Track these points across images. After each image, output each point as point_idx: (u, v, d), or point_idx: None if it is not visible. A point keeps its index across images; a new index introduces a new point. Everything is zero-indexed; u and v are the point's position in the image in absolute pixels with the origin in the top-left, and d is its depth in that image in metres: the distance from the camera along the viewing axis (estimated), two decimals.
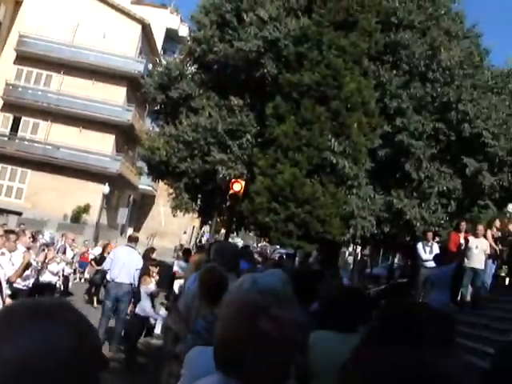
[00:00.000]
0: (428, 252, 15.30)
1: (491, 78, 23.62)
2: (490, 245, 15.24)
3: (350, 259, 39.83)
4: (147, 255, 13.94)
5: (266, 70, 21.62)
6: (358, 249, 34.66)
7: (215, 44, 23.19)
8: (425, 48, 22.40)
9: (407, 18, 22.80)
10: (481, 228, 15.13)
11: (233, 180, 19.51)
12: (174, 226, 47.53)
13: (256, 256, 23.37)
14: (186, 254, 16.90)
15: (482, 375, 3.32)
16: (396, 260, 36.33)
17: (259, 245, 64.70)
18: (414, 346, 2.65)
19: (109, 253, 16.66)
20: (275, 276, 3.50)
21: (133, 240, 13.34)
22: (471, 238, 14.89)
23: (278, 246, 34.74)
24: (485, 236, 15.24)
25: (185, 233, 50.72)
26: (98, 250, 24.48)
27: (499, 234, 15.95)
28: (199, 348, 3.25)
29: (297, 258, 25.45)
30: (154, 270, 12.53)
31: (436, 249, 15.44)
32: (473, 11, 45.61)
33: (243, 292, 3.23)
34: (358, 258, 35.49)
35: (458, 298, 14.72)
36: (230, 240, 32.43)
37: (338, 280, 9.85)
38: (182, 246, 40.88)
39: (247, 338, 1.92)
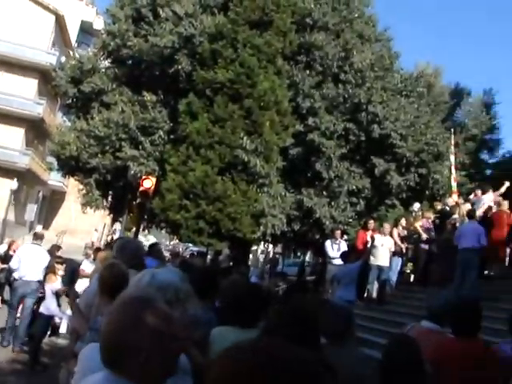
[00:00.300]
0: (336, 250, 15.58)
1: (401, 81, 24.33)
2: (396, 243, 15.66)
3: (263, 257, 40.11)
4: (52, 252, 13.53)
5: (180, 67, 21.50)
6: (270, 247, 34.96)
7: (130, 38, 22.86)
8: (338, 50, 22.82)
9: (322, 20, 23.16)
10: (387, 226, 15.54)
11: (143, 177, 19.29)
12: (85, 224, 46.48)
13: (167, 254, 23.11)
14: (95, 252, 16.53)
15: (378, 366, 3.45)
16: (307, 258, 36.90)
17: (171, 243, 64.23)
18: (301, 339, 2.72)
19: (15, 251, 16.08)
20: (174, 273, 3.49)
21: (38, 237, 12.92)
22: (377, 236, 15.23)
23: (190, 244, 34.57)
24: (391, 234, 15.66)
25: (96, 230, 49.73)
26: (3, 248, 23.59)
27: (405, 232, 16.41)
28: (93, 344, 3.19)
29: (208, 256, 25.39)
30: (60, 267, 12.19)
31: (344, 246, 15.77)
32: (385, 15, 47.13)
33: (141, 288, 3.20)
34: (270, 255, 35.81)
35: (365, 294, 15.05)
36: (142, 238, 31.99)
37: (243, 277, 9.89)
38: (93, 243, 40.04)
39: (131, 333, 1.89)
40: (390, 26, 26.71)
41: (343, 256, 13.51)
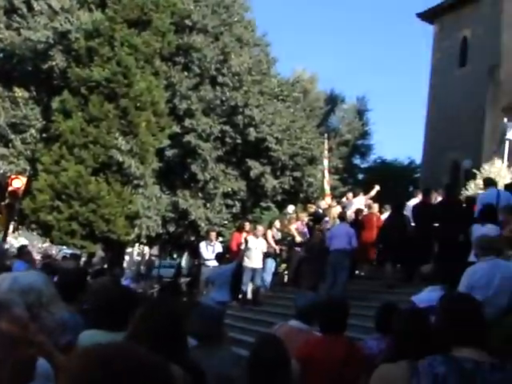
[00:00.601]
0: (211, 251, 15.56)
1: (277, 85, 24.80)
2: (270, 244, 15.88)
3: (139, 259, 39.45)
4: None
5: (54, 63, 20.77)
6: (147, 249, 34.47)
7: (1, 31, 21.79)
8: (216, 52, 22.94)
9: (201, 22, 23.21)
10: (260, 229, 15.72)
11: (12, 176, 18.46)
12: None
13: (39, 257, 22.21)
14: None
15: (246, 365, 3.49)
16: (184, 259, 36.70)
17: (44, 245, 61.76)
18: (167, 341, 2.70)
19: None
20: (37, 276, 3.35)
21: None
22: (251, 238, 15.39)
23: (64, 246, 33.40)
24: (265, 236, 15.87)
25: None
26: None
27: (279, 234, 16.67)
28: None
29: (83, 259, 24.67)
30: None
31: (218, 248, 15.79)
32: (264, 21, 48.18)
33: (1, 292, 3.05)
34: (146, 257, 35.31)
35: (240, 295, 15.17)
36: (13, 240, 30.45)
37: (113, 280, 9.68)
38: None
39: None
40: (268, 31, 27.29)
41: (217, 257, 13.57)
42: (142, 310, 2.83)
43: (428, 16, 28.21)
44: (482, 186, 15.46)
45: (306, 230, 15.69)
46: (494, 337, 6.19)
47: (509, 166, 15.80)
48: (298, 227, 15.74)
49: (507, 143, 16.71)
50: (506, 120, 17.56)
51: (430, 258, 12.03)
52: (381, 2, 75.05)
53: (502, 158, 16.57)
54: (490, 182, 11.76)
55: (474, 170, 17.14)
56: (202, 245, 15.91)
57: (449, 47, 26.98)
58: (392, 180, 33.53)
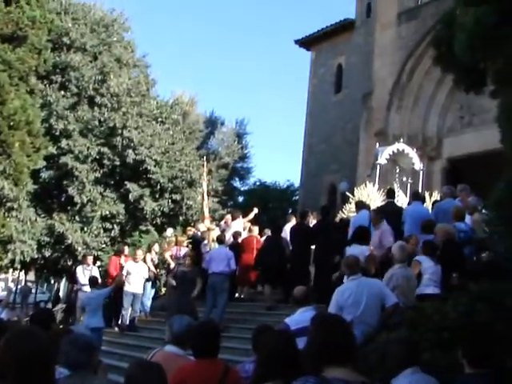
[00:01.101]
0: (87, 276, 15.21)
1: (157, 107, 24.70)
2: (149, 268, 15.74)
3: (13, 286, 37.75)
4: None
5: None
6: (22, 275, 33.04)
7: None
8: (95, 72, 22.58)
9: (79, 40, 22.80)
10: (139, 253, 15.58)
11: None
12: None
13: None
14: None
15: None
16: (62, 285, 35.51)
17: None
18: (32, 373, 2.60)
19: None
20: None
21: None
22: (131, 263, 15.21)
23: None
24: (144, 260, 15.73)
25: None
26: None
27: (156, 258, 16.55)
28: None
29: None
30: None
31: (95, 272, 15.47)
32: (143, 42, 48.04)
33: None
34: (22, 284, 33.86)
35: (119, 321, 14.91)
36: None
37: None
38: None
39: None
40: (148, 52, 27.11)
41: (90, 282, 13.34)
42: (4, 339, 2.71)
43: (305, 43, 29.20)
44: (354, 209, 16.18)
45: (181, 254, 15.61)
46: (368, 356, 6.47)
47: (379, 189, 16.56)
48: (173, 254, 15.68)
49: (378, 167, 17.53)
50: (377, 145, 18.43)
51: (307, 280, 12.36)
52: (262, 27, 76.91)
53: (374, 181, 17.35)
54: (361, 205, 12.30)
55: (348, 193, 17.84)
56: (79, 269, 15.52)
57: (325, 74, 28.06)
58: (271, 202, 34.18)
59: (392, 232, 10.62)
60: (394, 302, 7.32)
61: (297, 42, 29.32)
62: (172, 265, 15.33)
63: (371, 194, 16.34)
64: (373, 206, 13.45)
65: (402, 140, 18.43)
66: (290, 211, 32.55)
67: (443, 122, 21.09)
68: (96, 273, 15.42)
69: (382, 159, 17.38)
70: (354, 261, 7.80)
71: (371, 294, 7.28)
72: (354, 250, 9.31)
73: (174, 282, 13.83)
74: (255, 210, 17.17)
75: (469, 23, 5.07)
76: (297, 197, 32.70)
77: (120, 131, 22.01)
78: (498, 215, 5.94)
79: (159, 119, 24.30)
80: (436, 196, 15.54)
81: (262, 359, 3.60)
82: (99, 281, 14.30)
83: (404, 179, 17.84)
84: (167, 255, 15.76)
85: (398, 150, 17.56)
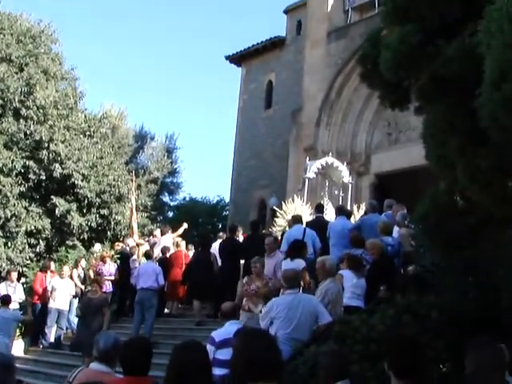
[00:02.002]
0: (11, 293, 14.80)
1: (85, 120, 24.27)
2: (76, 284, 15.49)
3: None
4: None
5: None
6: None
7: None
8: (21, 84, 22.01)
9: (5, 51, 22.21)
10: (65, 269, 15.33)
11: None
12: None
13: None
14: None
15: None
16: None
17: None
18: None
19: None
20: None
21: None
22: (56, 279, 14.95)
23: None
24: (71, 277, 15.48)
25: None
26: None
27: (83, 273, 16.30)
28: None
29: None
30: None
31: (20, 289, 15.13)
32: (72, 54, 47.21)
33: None
34: None
35: (44, 339, 14.60)
36: None
37: None
38: None
39: None
40: (77, 65, 26.58)
41: (3, 301, 12.92)
42: None
43: (236, 59, 29.39)
44: (281, 223, 16.35)
45: (109, 271, 15.38)
46: (298, 369, 6.51)
47: (309, 204, 16.79)
48: (94, 269, 15.48)
49: (307, 181, 17.82)
50: (307, 160, 18.71)
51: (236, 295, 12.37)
52: (193, 42, 76.92)
53: (303, 196, 17.61)
54: (297, 220, 12.41)
55: (276, 208, 18.01)
56: (2, 286, 15.06)
57: (255, 89, 28.29)
58: (201, 217, 34.13)
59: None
60: (328, 320, 7.37)
61: (227, 57, 29.47)
62: None
63: (299, 209, 16.57)
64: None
65: (330, 154, 18.78)
66: (220, 226, 32.65)
67: (371, 138, 21.59)
68: (20, 289, 15.06)
69: (311, 173, 17.66)
70: (294, 275, 7.81)
71: (306, 311, 7.29)
72: (289, 264, 9.36)
73: (78, 312, 12.86)
74: (184, 225, 17.15)
75: (394, 42, 5.22)
76: (227, 212, 32.76)
77: (46, 144, 21.51)
78: (423, 229, 6.10)
79: (87, 133, 23.87)
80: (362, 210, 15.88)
81: (173, 370, 3.45)
82: (12, 300, 13.74)
83: (336, 192, 18.18)
84: (91, 273, 15.52)
85: (327, 163, 17.89)
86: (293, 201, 17.24)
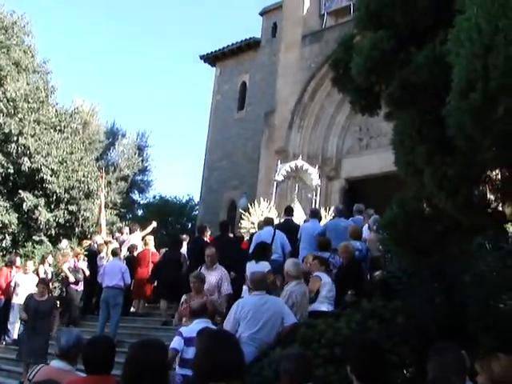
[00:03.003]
0: None
1: (55, 115, 24.03)
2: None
3: None
4: None
5: None
6: None
7: None
8: None
9: None
10: (29, 265, 15.14)
11: None
12: None
13: None
14: None
15: None
16: None
17: None
18: None
19: None
20: None
21: None
22: (20, 274, 14.75)
23: None
24: (37, 272, 15.31)
25: None
26: None
27: (50, 270, 16.14)
28: None
29: None
30: None
31: None
32: (45, 47, 46.81)
33: None
34: None
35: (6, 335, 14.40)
36: None
37: None
38: None
39: None
40: (49, 58, 26.29)
41: None
42: None
43: (210, 59, 29.31)
44: (247, 225, 16.37)
45: (79, 267, 15.22)
46: (263, 372, 6.51)
47: (278, 206, 16.85)
48: (70, 266, 15.28)
49: (275, 184, 17.90)
50: (279, 163, 18.75)
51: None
52: (167, 41, 76.63)
53: (272, 198, 17.67)
54: (268, 222, 12.41)
55: (241, 211, 18.03)
56: None
57: (229, 90, 28.25)
58: (171, 216, 34.01)
59: (228, 278, 10.31)
60: (294, 321, 7.39)
61: (202, 57, 29.39)
62: (71, 278, 14.93)
63: (265, 211, 16.61)
64: None
65: (300, 157, 18.81)
66: (190, 226, 32.56)
67: (342, 142, 21.69)
68: None
69: (280, 176, 17.68)
70: (261, 277, 7.82)
71: (272, 311, 7.31)
72: (254, 266, 9.35)
73: (24, 315, 11.63)
74: (154, 224, 17.06)
75: (366, 47, 5.25)
76: (196, 212, 32.69)
77: (15, 138, 21.28)
78: (391, 235, 6.14)
79: (58, 127, 23.66)
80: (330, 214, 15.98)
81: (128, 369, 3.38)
82: None
83: (309, 195, 18.22)
84: (65, 267, 15.28)
85: (296, 166, 17.92)
86: (258, 203, 17.31)
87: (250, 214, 16.94)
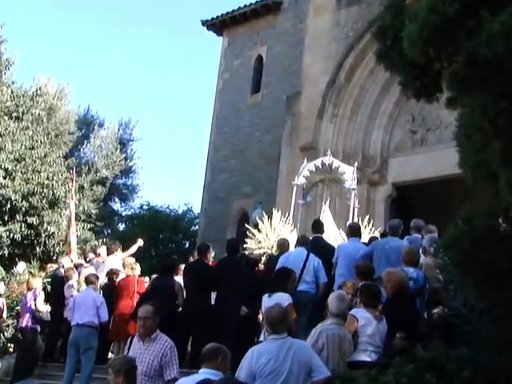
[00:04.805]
0: None
1: (11, 97, 24.07)
2: None
3: None
4: None
5: None
6: None
7: None
8: None
9: None
10: None
11: None
12: None
13: None
14: None
15: None
16: None
17: None
18: None
19: None
20: None
21: None
22: None
23: None
24: None
25: None
26: None
27: (1, 302, 16.18)
28: None
29: None
30: None
31: None
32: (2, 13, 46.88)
33: None
34: None
35: None
36: None
37: None
38: None
39: None
40: (4, 22, 26.28)
41: None
42: None
43: (216, 26, 29.24)
44: (253, 244, 16.32)
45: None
46: None
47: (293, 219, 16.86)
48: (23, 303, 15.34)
49: (294, 190, 17.74)
50: (305, 162, 18.53)
51: (209, 338, 12.31)
52: (159, 1, 76.77)
53: (291, 208, 17.55)
54: (302, 241, 12.30)
55: (247, 226, 17.88)
56: None
57: (239, 67, 28.23)
58: (163, 233, 34.01)
59: (175, 354, 9.62)
60: (326, 375, 7.28)
61: (205, 23, 29.35)
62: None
63: (279, 227, 16.51)
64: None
65: (330, 155, 18.49)
66: (187, 245, 32.58)
67: (390, 137, 21.64)
68: None
69: (300, 178, 17.54)
70: (281, 315, 7.69)
71: (297, 361, 7.20)
72: (271, 299, 9.29)
73: None
74: (140, 242, 17.08)
75: (422, 11, 5.22)
76: (196, 227, 32.70)
77: None
78: (454, 259, 6.07)
79: (14, 114, 23.76)
80: (375, 230, 15.89)
81: None
82: None
83: (349, 203, 17.96)
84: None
85: (324, 164, 17.69)
86: (269, 215, 17.22)
87: (258, 229, 16.83)
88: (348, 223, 14.63)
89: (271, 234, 16.16)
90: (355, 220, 16.50)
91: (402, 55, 5.63)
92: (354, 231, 12.58)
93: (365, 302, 8.94)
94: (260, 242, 16.17)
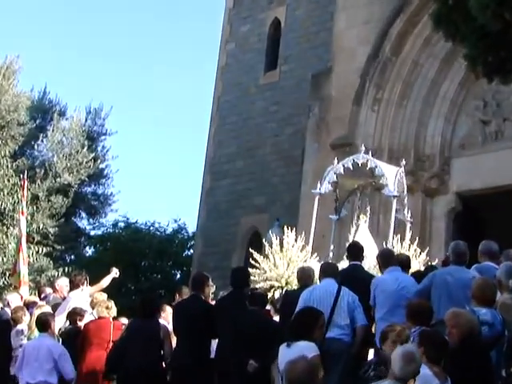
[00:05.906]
0: None
1: None
2: None
3: None
4: None
5: None
6: None
7: None
8: None
9: None
10: None
11: None
12: None
13: None
14: None
15: None
16: None
17: None
18: None
19: None
20: None
21: None
22: None
23: None
24: None
25: None
26: None
27: None
28: None
29: None
30: None
31: None
32: None
33: None
34: None
35: None
36: None
37: None
38: None
39: None
40: None
41: None
42: None
43: None
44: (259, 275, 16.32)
45: None
46: None
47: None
48: None
49: (316, 201, 17.76)
50: (335, 163, 18.40)
51: None
52: None
53: (312, 224, 17.56)
54: (330, 271, 12.25)
55: (252, 251, 17.81)
56: None
57: (249, 35, 28.31)
58: (146, 258, 34.11)
59: None
60: None
61: None
62: None
63: (294, 249, 16.52)
64: (296, 267, 13.74)
65: (366, 150, 18.29)
66: (179, 276, 32.64)
67: (453, 129, 21.60)
68: None
69: (324, 185, 17.53)
70: (306, 372, 7.62)
71: None
72: (292, 350, 9.22)
73: None
74: (114, 272, 17.08)
75: None
76: (191, 251, 32.81)
77: None
78: None
79: None
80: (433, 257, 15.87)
81: None
82: None
83: (392, 218, 17.88)
84: None
85: (357, 165, 17.61)
86: (284, 233, 17.25)
87: (265, 255, 16.82)
88: (381, 250, 14.35)
89: (280, 261, 16.13)
90: (406, 241, 16.43)
91: (468, 19, 5.59)
92: (385, 260, 12.36)
93: (428, 355, 8.77)
94: (265, 272, 16.15)
